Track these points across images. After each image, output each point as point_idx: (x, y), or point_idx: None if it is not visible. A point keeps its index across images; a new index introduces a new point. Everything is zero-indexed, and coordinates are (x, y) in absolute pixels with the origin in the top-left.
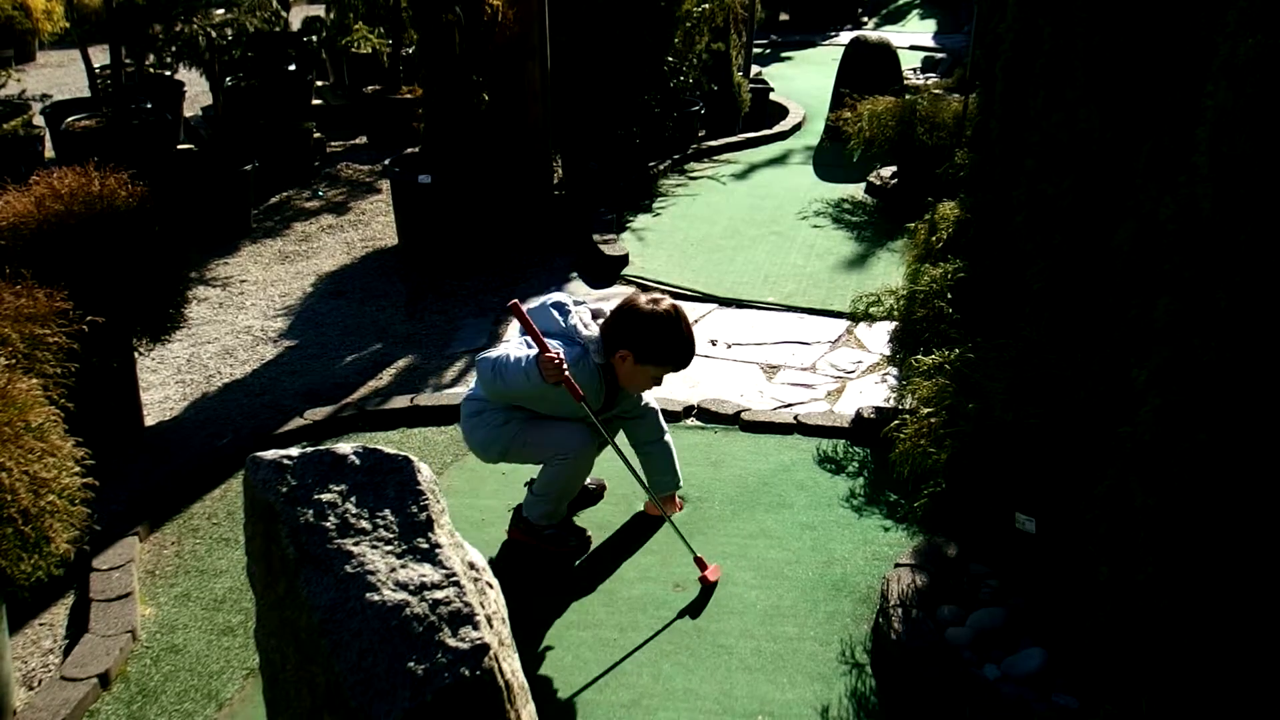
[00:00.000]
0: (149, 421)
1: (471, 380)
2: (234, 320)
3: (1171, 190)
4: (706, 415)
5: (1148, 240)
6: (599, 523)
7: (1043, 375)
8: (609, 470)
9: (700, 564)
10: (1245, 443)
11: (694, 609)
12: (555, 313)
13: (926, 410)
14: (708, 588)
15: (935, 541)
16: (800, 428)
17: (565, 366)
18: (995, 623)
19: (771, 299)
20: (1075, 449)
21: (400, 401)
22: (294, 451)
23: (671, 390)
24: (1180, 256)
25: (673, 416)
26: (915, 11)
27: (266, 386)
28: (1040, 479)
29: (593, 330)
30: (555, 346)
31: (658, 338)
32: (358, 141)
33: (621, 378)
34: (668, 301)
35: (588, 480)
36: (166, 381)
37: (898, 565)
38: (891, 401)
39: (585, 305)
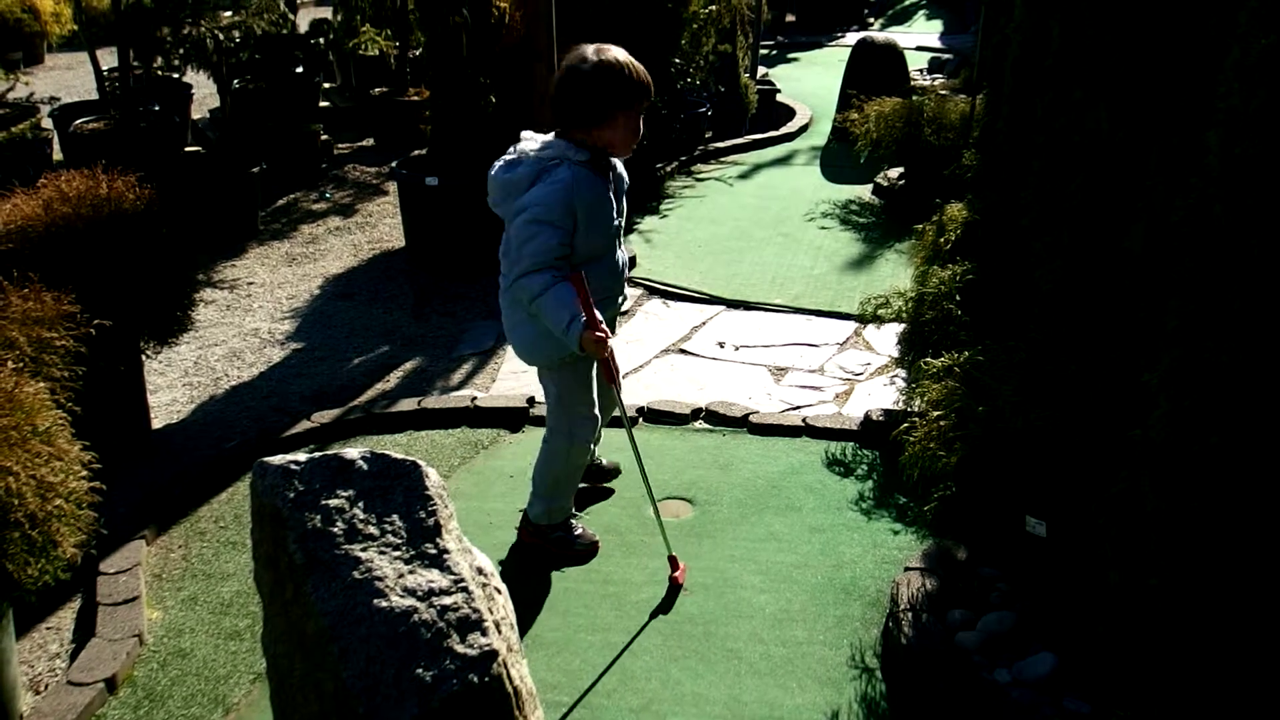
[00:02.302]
0: (156, 424)
1: (479, 380)
2: (241, 322)
3: (1183, 192)
4: (714, 418)
5: (1159, 242)
6: (606, 525)
7: (1053, 378)
8: (622, 464)
9: (673, 563)
10: (1258, 446)
11: (665, 606)
12: (505, 174)
13: (936, 413)
14: (674, 588)
15: (945, 545)
16: (809, 430)
17: (611, 347)
18: (1006, 627)
19: (779, 301)
20: (1086, 452)
21: (408, 404)
22: (301, 456)
23: (679, 393)
24: (1192, 258)
25: (680, 419)
26: (921, 12)
27: (273, 389)
28: (1051, 482)
29: (546, 142)
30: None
31: (616, 76)
32: (365, 143)
33: (615, 145)
34: (586, 48)
35: (603, 460)
36: (174, 384)
37: (907, 569)
38: (900, 404)
39: (512, 148)
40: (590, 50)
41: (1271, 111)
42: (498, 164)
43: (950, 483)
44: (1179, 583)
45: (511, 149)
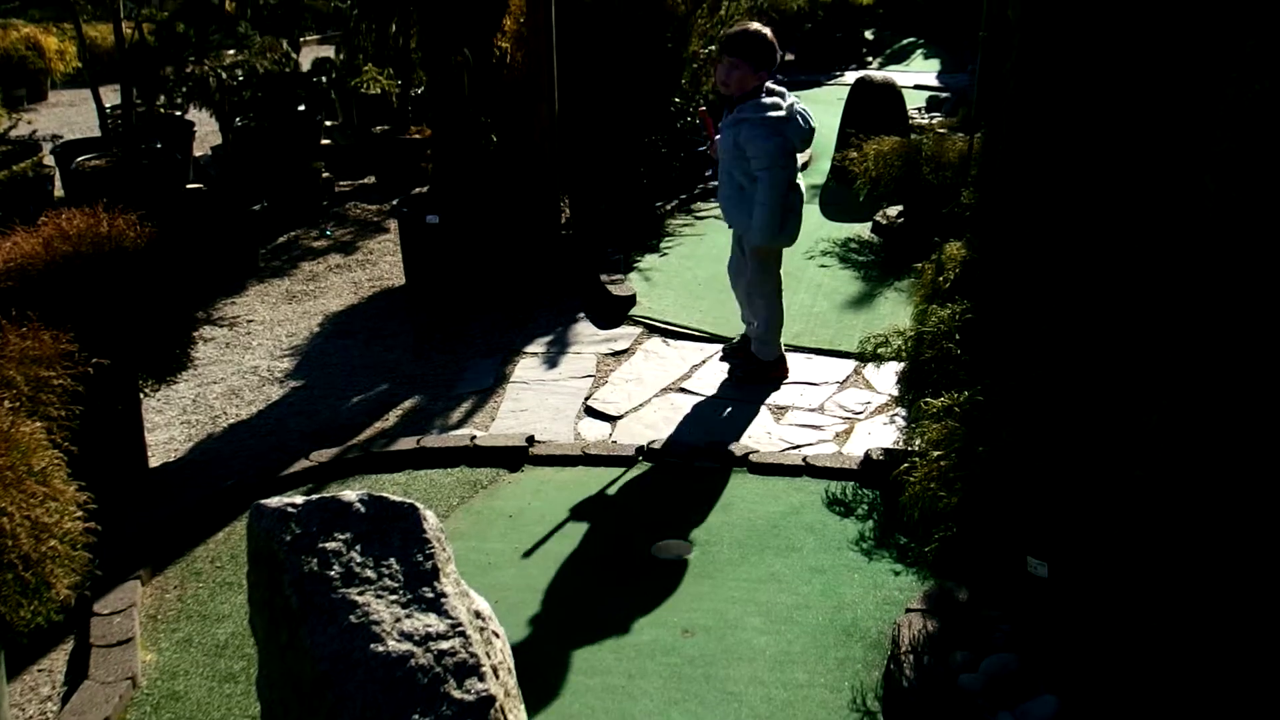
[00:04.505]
0: (153, 463)
1: (478, 419)
2: (240, 360)
3: (1181, 232)
4: (714, 457)
5: (1158, 281)
6: (604, 564)
7: (1053, 418)
8: (622, 505)
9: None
10: (1265, 488)
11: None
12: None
13: (936, 453)
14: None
15: (947, 586)
16: (809, 469)
17: None
18: (1008, 668)
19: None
20: (1088, 493)
21: (407, 443)
22: (298, 499)
23: (680, 432)
24: (1191, 299)
25: (680, 458)
26: (919, 51)
27: (272, 427)
28: (1053, 523)
29: (776, 88)
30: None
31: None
32: (366, 181)
33: None
34: (751, 24)
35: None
36: (171, 422)
37: (909, 610)
38: (900, 443)
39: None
40: (755, 25)
41: (1265, 156)
42: (801, 118)
43: (951, 523)
44: (1184, 625)
45: (788, 101)
